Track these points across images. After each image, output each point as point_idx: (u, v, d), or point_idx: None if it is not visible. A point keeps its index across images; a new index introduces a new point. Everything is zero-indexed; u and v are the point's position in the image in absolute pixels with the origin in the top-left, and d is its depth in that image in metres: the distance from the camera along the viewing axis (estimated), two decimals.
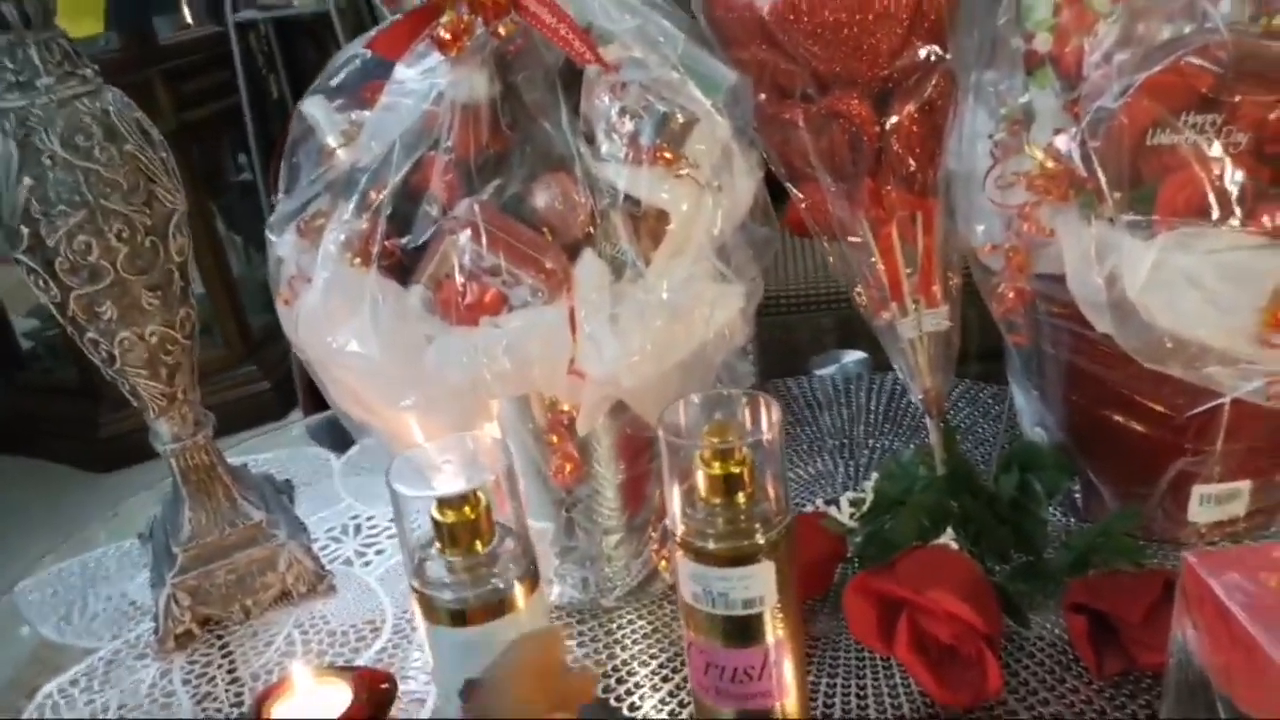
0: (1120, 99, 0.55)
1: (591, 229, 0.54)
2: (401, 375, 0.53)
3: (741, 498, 0.42)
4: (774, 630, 0.43)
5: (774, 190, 0.66)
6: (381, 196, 0.54)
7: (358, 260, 0.54)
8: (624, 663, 0.62)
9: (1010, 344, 0.68)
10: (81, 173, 0.59)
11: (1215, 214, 0.53)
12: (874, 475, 0.75)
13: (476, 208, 0.53)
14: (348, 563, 0.74)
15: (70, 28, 0.62)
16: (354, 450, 0.87)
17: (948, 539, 0.62)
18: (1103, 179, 0.55)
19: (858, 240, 0.67)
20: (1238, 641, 0.40)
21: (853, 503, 0.73)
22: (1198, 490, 0.63)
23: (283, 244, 0.60)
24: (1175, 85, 0.54)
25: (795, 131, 0.64)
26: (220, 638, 0.68)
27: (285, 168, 0.62)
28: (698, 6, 0.65)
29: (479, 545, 0.40)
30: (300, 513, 0.76)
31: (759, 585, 0.42)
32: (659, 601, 0.66)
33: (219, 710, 0.62)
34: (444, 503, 0.40)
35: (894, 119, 0.62)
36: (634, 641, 0.63)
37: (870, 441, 0.82)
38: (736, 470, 0.41)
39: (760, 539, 0.42)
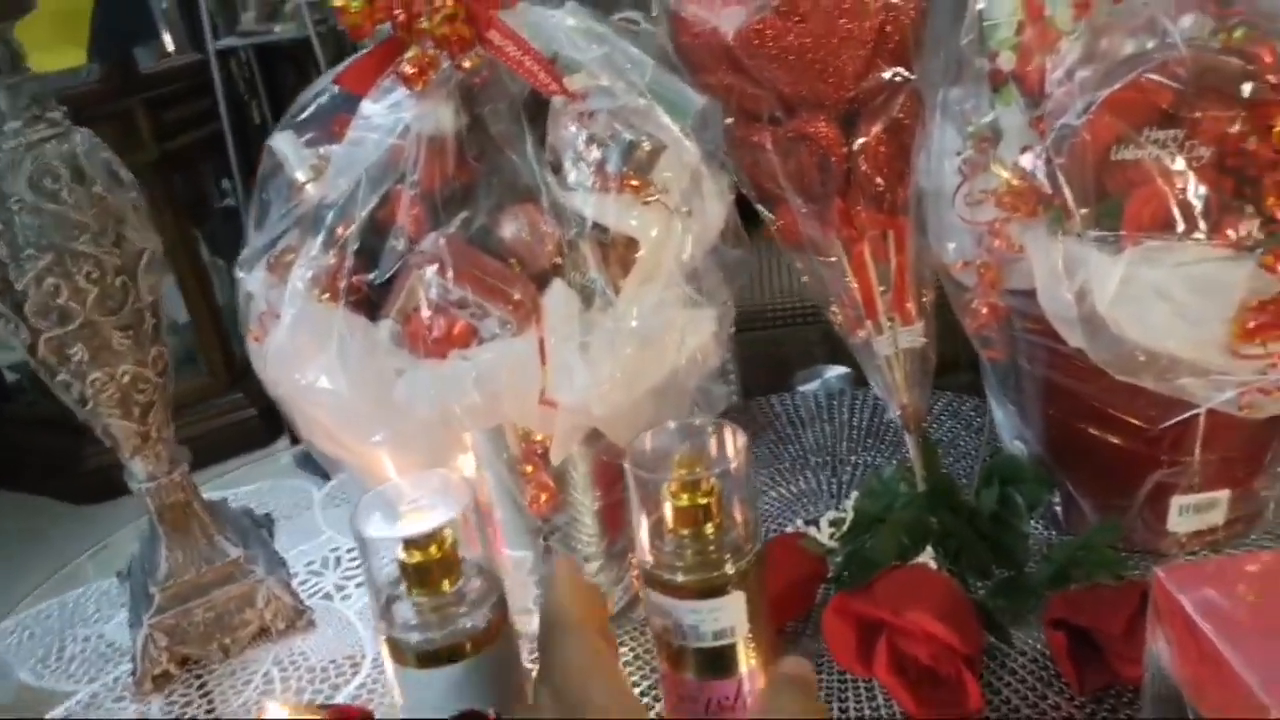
0: (1083, 116, 0.55)
1: (559, 259, 0.54)
2: (371, 411, 0.53)
3: (710, 528, 0.41)
4: (747, 660, 0.43)
5: (753, 208, 0.66)
6: (348, 232, 0.54)
7: (325, 296, 0.54)
8: None
9: (985, 359, 0.68)
10: (49, 215, 0.59)
11: (1181, 227, 0.53)
12: (856, 492, 0.75)
13: (443, 241, 0.53)
14: (327, 597, 0.73)
15: (53, 60, 0.62)
16: (335, 481, 0.86)
17: (927, 557, 0.62)
18: (1069, 195, 0.55)
19: (831, 260, 0.67)
20: (1206, 656, 0.40)
21: (832, 523, 0.73)
22: (1176, 501, 0.63)
23: (253, 280, 0.59)
24: (1136, 101, 0.54)
25: (764, 154, 0.64)
26: (199, 677, 0.67)
27: (256, 203, 0.62)
28: (664, 34, 0.65)
29: (446, 584, 0.40)
30: (280, 546, 0.76)
31: (730, 616, 0.42)
32: (640, 628, 0.65)
33: None
34: (410, 543, 0.39)
35: (861, 140, 0.63)
36: None
37: (854, 457, 0.82)
38: (704, 501, 0.41)
39: (730, 569, 0.41)
